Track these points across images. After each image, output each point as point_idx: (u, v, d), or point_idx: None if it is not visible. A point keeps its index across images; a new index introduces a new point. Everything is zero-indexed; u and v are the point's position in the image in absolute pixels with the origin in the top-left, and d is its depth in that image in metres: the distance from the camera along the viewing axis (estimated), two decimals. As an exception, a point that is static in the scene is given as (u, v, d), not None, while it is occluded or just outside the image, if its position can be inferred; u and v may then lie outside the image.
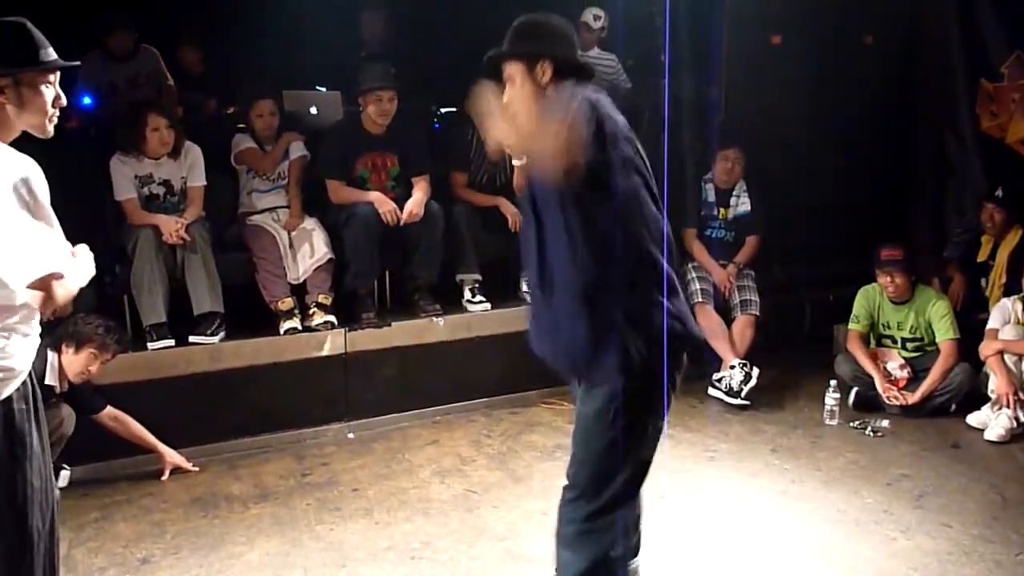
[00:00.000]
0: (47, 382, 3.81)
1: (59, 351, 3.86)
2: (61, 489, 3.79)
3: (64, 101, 2.33)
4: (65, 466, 3.98)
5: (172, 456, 4.24)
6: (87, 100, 5.49)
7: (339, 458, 4.46)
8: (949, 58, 6.25)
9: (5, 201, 2.08)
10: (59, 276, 2.18)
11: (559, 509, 2.47)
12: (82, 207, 4.94)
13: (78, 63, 2.41)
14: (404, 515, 3.79)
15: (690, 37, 5.80)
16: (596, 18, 6.03)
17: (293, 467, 4.35)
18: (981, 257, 5.51)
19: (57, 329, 3.89)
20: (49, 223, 2.18)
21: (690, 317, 2.44)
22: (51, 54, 2.29)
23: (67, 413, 3.97)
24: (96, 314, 4.04)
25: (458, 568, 3.35)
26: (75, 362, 3.86)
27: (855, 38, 6.47)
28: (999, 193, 5.36)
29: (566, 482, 2.45)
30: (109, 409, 4.09)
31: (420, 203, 4.94)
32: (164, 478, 4.19)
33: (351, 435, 4.77)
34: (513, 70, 2.41)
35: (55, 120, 2.33)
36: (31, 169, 2.16)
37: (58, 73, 2.32)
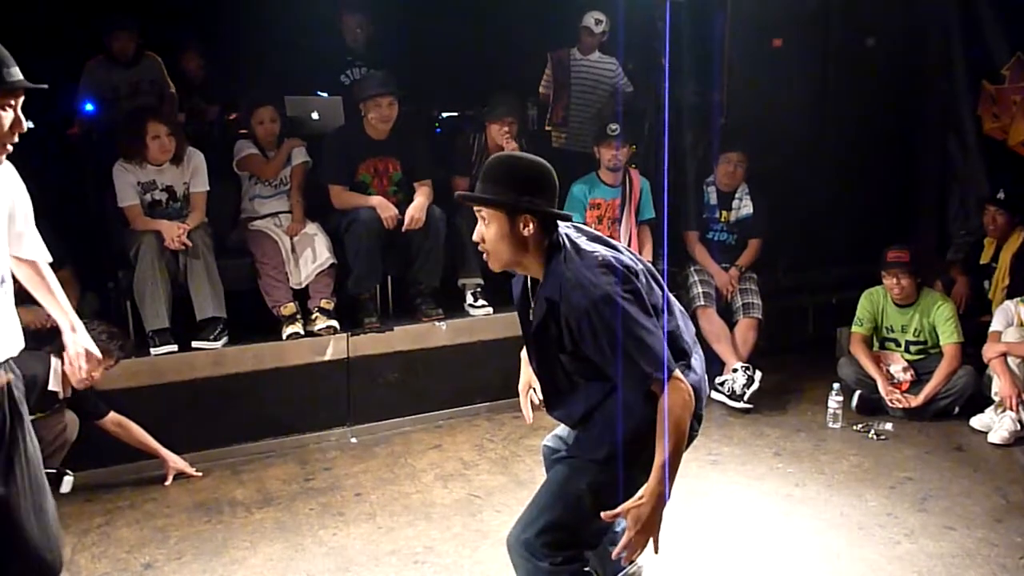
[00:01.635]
0: (51, 388, 3.82)
1: (62, 358, 3.86)
2: (64, 495, 3.81)
3: (25, 127, 2.14)
4: (68, 472, 3.98)
5: (175, 461, 4.24)
6: (89, 107, 5.50)
7: (342, 463, 4.46)
8: (951, 60, 6.25)
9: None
10: None
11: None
12: (85, 213, 4.98)
13: (45, 85, 2.19)
14: (407, 519, 3.79)
15: (691, 40, 5.79)
16: (597, 22, 6.04)
17: (296, 472, 4.35)
18: (984, 259, 5.50)
19: (59, 336, 3.89)
20: None
21: (705, 384, 2.63)
22: (14, 74, 2.09)
23: (70, 419, 3.97)
24: (99, 320, 4.05)
25: (461, 572, 3.35)
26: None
27: (857, 40, 6.46)
28: (1001, 195, 5.35)
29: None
30: (112, 415, 4.09)
31: (422, 208, 4.94)
32: (167, 483, 4.19)
33: (354, 440, 4.77)
34: (489, 214, 2.40)
35: (10, 148, 2.15)
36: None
37: (21, 97, 2.13)
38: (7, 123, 2.10)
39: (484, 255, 2.48)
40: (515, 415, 5.09)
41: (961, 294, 5.50)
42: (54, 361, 3.83)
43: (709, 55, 6.00)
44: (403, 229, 4.90)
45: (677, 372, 2.31)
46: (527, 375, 2.83)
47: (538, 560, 2.44)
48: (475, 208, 2.44)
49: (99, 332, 3.89)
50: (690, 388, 2.32)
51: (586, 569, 2.51)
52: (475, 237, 2.47)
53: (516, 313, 2.63)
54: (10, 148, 2.16)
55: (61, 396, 3.89)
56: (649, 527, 2.27)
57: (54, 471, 3.87)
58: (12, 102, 2.11)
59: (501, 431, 4.87)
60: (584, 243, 2.42)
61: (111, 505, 3.97)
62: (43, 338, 3.85)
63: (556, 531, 2.45)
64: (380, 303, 5.16)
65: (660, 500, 2.26)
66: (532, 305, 2.48)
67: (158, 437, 4.20)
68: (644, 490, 2.27)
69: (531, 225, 2.37)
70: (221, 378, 4.54)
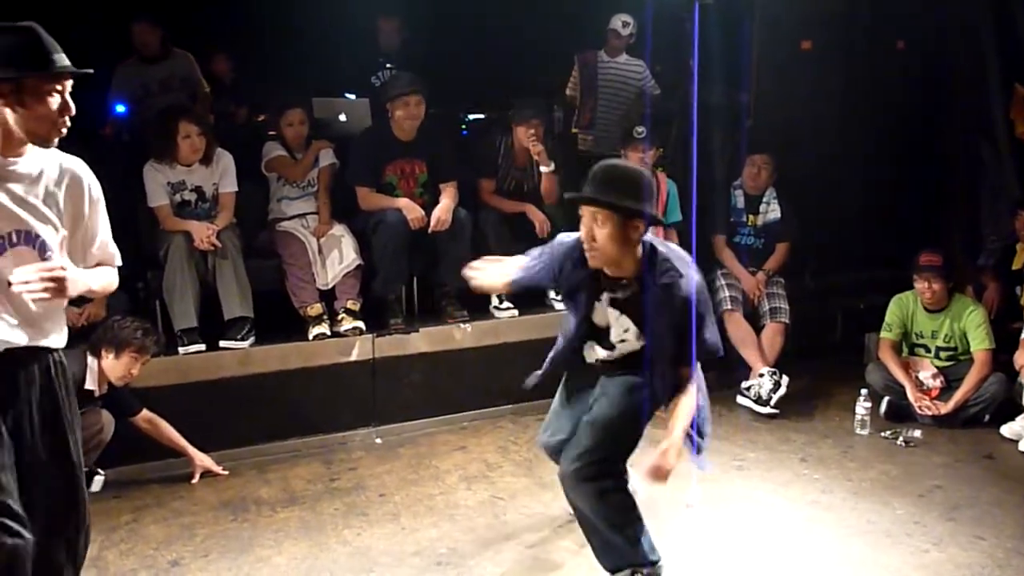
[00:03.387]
0: (87, 387, 3.87)
1: (99, 356, 3.91)
2: (94, 493, 3.85)
3: (73, 111, 2.22)
4: (100, 471, 4.02)
5: (202, 460, 4.28)
6: (121, 108, 5.56)
7: (366, 463, 4.48)
8: (983, 63, 6.17)
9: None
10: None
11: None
12: (115, 213, 5.01)
13: (90, 70, 2.27)
14: (430, 521, 3.79)
15: (719, 43, 5.76)
16: (625, 24, 6.03)
17: (321, 472, 4.37)
18: (1016, 265, 5.43)
19: (93, 334, 3.94)
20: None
21: None
22: (62, 60, 2.17)
23: (107, 420, 4.02)
24: (131, 316, 4.09)
25: (484, 574, 3.35)
26: (117, 366, 3.91)
27: (887, 43, 6.41)
28: None
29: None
30: (144, 412, 4.14)
31: (448, 210, 4.95)
32: (194, 481, 4.23)
33: (378, 440, 4.79)
34: (604, 217, 2.79)
35: (63, 131, 2.22)
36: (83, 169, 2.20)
37: (69, 82, 2.21)
38: (55, 106, 2.18)
39: (589, 252, 2.85)
40: (539, 417, 5.06)
41: (992, 300, 5.43)
42: (90, 360, 3.89)
43: (737, 57, 5.97)
44: (429, 230, 4.91)
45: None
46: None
47: (601, 480, 2.95)
48: (590, 210, 2.81)
49: (134, 329, 3.95)
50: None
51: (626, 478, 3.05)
52: (584, 236, 2.85)
53: (569, 299, 3.15)
54: (63, 131, 2.23)
55: (97, 394, 3.94)
56: (668, 471, 2.88)
57: (86, 469, 3.91)
58: (59, 87, 2.19)
59: (525, 433, 4.87)
60: (660, 244, 2.92)
61: (139, 502, 4.01)
62: (78, 336, 3.91)
63: (606, 454, 2.97)
64: (406, 304, 5.18)
65: (679, 452, 2.88)
66: (611, 293, 2.97)
67: (185, 435, 4.24)
68: (668, 443, 2.87)
69: (640, 228, 2.79)
70: (247, 378, 4.57)
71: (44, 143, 2.23)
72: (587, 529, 3.10)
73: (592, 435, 3.00)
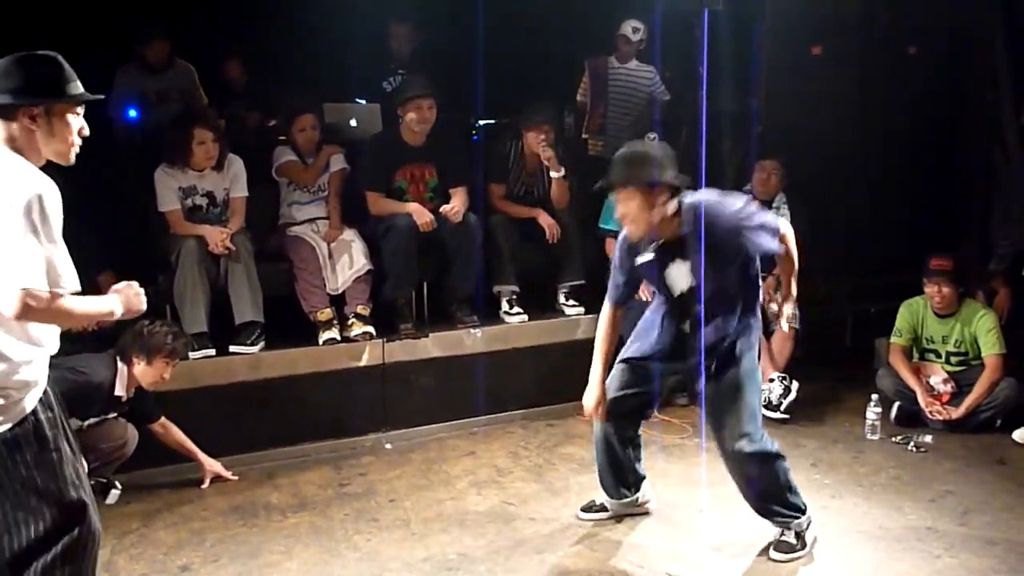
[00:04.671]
0: (116, 392, 3.89)
1: (129, 362, 3.92)
2: (109, 505, 3.86)
3: (87, 131, 2.42)
4: (117, 484, 4.01)
5: (212, 465, 4.29)
6: (132, 113, 5.57)
7: (377, 468, 4.48)
8: (994, 68, 6.14)
9: (15, 216, 2.15)
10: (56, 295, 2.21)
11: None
12: (126, 218, 5.04)
13: (102, 96, 2.55)
14: (441, 526, 3.79)
15: (729, 48, 5.77)
16: (635, 30, 6.03)
17: (331, 477, 4.38)
18: (1027, 270, 5.41)
19: (121, 339, 3.94)
20: (53, 242, 2.22)
21: None
22: (79, 87, 2.40)
23: (132, 435, 4.05)
24: (159, 320, 4.11)
25: (494, 580, 3.35)
26: (149, 372, 3.93)
27: (898, 49, 6.39)
28: None
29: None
30: (162, 418, 4.17)
31: (463, 204, 4.97)
32: (204, 486, 4.24)
33: (388, 446, 4.79)
34: (628, 194, 3.19)
35: (77, 149, 2.43)
36: (47, 188, 2.22)
37: (82, 106, 2.42)
38: (75, 128, 2.40)
39: (627, 227, 3.27)
40: (549, 423, 5.11)
41: (1003, 305, 5.40)
42: (120, 365, 3.90)
43: (746, 63, 5.97)
44: (442, 213, 4.94)
45: None
46: (598, 391, 3.62)
47: (768, 445, 3.34)
48: (618, 193, 3.20)
49: (165, 334, 3.96)
50: None
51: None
52: (619, 215, 3.25)
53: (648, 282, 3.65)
54: (78, 148, 2.43)
55: (124, 399, 3.96)
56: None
57: (104, 480, 3.93)
58: (78, 110, 2.41)
59: (536, 439, 4.87)
60: (691, 196, 3.26)
61: (149, 507, 4.02)
62: (106, 340, 3.93)
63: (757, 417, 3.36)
64: (416, 309, 5.18)
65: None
66: (669, 258, 3.34)
67: (195, 440, 4.25)
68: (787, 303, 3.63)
69: (663, 194, 3.17)
70: (257, 382, 4.58)
71: (65, 160, 2.41)
72: (761, 494, 3.42)
73: (741, 416, 3.33)
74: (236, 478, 4.33)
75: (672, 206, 3.21)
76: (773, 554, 3.44)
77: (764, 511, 3.47)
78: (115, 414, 4.00)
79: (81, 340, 3.99)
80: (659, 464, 4.46)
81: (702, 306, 3.34)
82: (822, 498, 4.01)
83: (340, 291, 4.86)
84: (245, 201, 4.84)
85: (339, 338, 4.75)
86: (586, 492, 4.09)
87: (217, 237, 4.57)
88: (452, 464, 4.52)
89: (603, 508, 3.85)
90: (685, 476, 4.31)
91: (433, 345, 4.98)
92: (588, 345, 5.33)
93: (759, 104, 6.06)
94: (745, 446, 3.30)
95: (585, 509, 3.89)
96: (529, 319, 5.23)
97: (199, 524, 3.85)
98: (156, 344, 3.91)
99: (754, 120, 6.01)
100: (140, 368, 3.91)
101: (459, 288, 5.11)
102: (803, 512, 3.47)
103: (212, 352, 4.50)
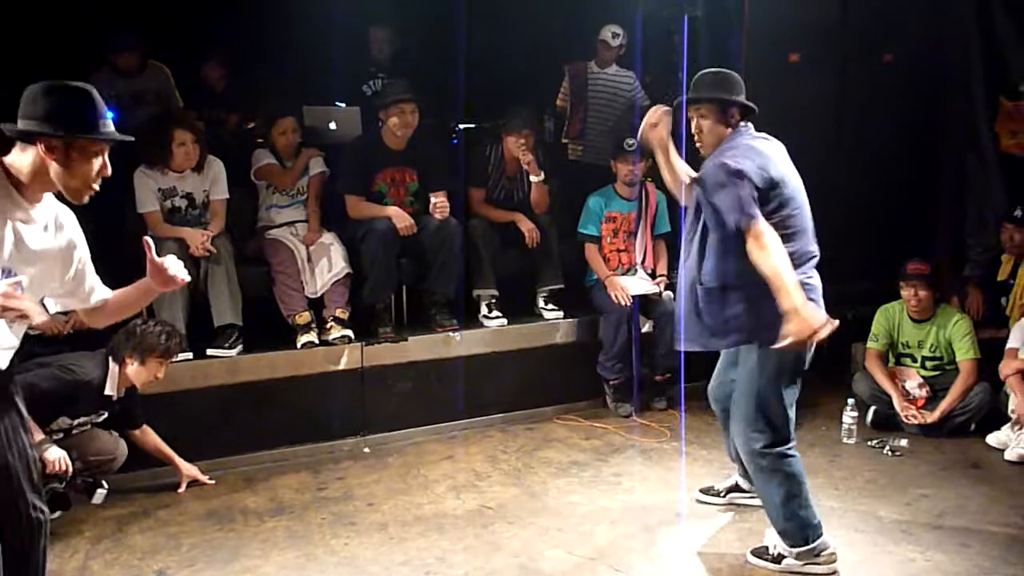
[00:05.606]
0: (107, 392, 3.87)
1: (121, 362, 3.89)
2: (94, 505, 3.83)
3: (109, 172, 2.34)
4: (104, 483, 3.96)
5: (189, 469, 4.26)
6: (110, 115, 5.52)
7: (355, 472, 4.47)
8: (968, 76, 6.22)
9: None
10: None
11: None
12: (103, 220, 4.99)
13: (132, 137, 2.44)
14: (419, 530, 3.78)
15: (708, 54, 5.80)
16: (615, 36, 6.05)
17: (309, 481, 4.36)
18: (1001, 276, 5.46)
19: (113, 339, 3.91)
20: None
21: None
22: (109, 125, 2.31)
23: (121, 452, 4.06)
24: (152, 319, 4.08)
25: (472, 584, 3.35)
26: (142, 372, 3.91)
27: (875, 56, 6.45)
28: (1018, 213, 5.32)
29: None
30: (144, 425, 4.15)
31: (446, 202, 4.98)
32: (180, 491, 4.21)
33: (367, 449, 4.78)
34: (706, 109, 3.32)
35: (95, 190, 2.34)
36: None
37: (109, 145, 2.33)
38: (95, 168, 2.31)
39: (698, 142, 3.37)
40: (528, 427, 5.11)
41: (976, 306, 5.45)
42: (112, 365, 3.87)
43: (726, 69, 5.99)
44: (431, 209, 4.96)
45: None
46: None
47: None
48: (696, 109, 3.32)
49: (159, 333, 3.93)
50: None
51: None
52: (694, 131, 3.35)
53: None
54: (95, 190, 2.35)
55: (115, 398, 3.94)
56: (803, 329, 3.08)
57: (90, 480, 3.89)
58: (99, 149, 2.32)
59: (514, 442, 4.87)
60: (747, 136, 3.39)
61: (124, 512, 3.99)
62: (100, 340, 3.90)
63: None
64: (395, 313, 5.17)
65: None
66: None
67: (172, 444, 4.23)
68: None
69: (735, 115, 3.34)
70: (235, 386, 4.56)
71: (77, 198, 2.34)
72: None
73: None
74: (213, 482, 4.30)
75: (733, 131, 3.33)
76: (750, 557, 3.46)
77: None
78: (105, 413, 3.97)
79: (71, 341, 3.98)
80: (637, 468, 4.48)
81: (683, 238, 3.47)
82: (799, 502, 4.04)
83: (319, 294, 4.85)
84: (225, 203, 4.82)
85: (317, 341, 4.74)
86: (564, 495, 4.11)
87: (197, 239, 4.54)
88: (431, 468, 4.52)
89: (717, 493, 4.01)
90: (663, 480, 4.33)
91: (412, 349, 4.98)
92: (568, 349, 5.41)
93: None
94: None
95: (704, 491, 4.06)
96: (508, 323, 5.24)
97: (175, 529, 3.82)
98: (149, 344, 3.88)
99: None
100: (133, 368, 3.89)
101: (438, 292, 5.11)
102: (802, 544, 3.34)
103: (190, 356, 4.47)
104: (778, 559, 3.38)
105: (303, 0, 5.76)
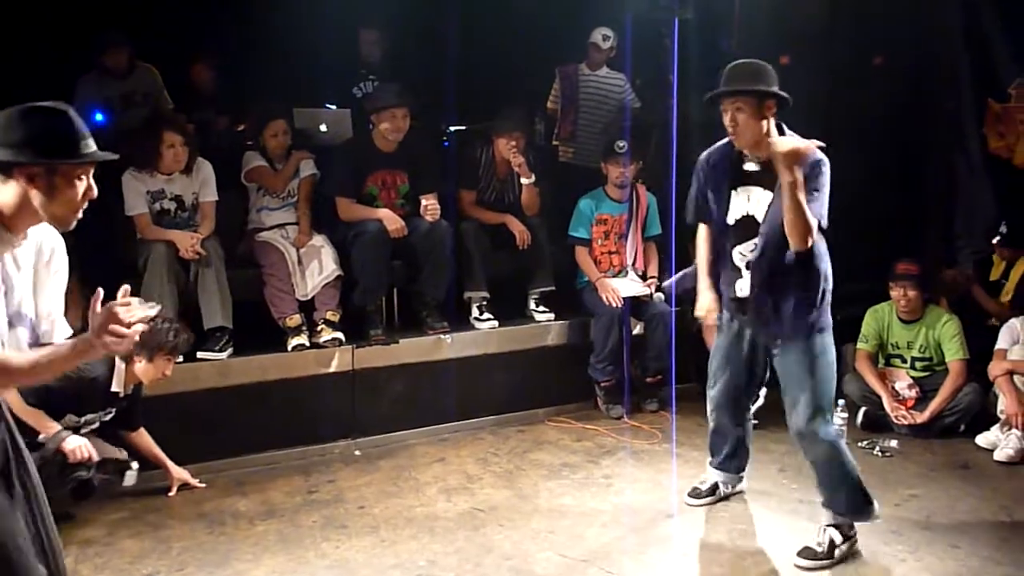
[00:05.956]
0: (113, 389, 3.86)
1: (128, 360, 3.87)
2: (125, 487, 3.87)
3: (95, 193, 2.21)
4: (132, 464, 3.97)
5: (179, 472, 4.24)
6: (99, 117, 5.51)
7: (346, 475, 4.46)
8: (957, 79, 6.25)
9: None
10: None
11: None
12: (91, 222, 4.97)
13: (116, 156, 2.28)
14: (410, 533, 3.78)
15: (699, 56, 5.81)
16: (605, 38, 6.06)
17: (300, 484, 4.35)
18: (993, 276, 5.50)
19: None
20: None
21: None
22: (90, 146, 2.16)
23: (129, 477, 4.00)
24: (159, 316, 4.07)
25: (464, 586, 3.35)
26: (150, 370, 3.90)
27: (864, 58, 6.47)
28: (1003, 229, 5.40)
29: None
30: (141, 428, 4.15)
31: (437, 203, 4.98)
32: (171, 494, 4.19)
33: (358, 452, 4.77)
34: (743, 102, 3.32)
35: (80, 214, 2.21)
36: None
37: (92, 167, 2.20)
38: (81, 191, 2.17)
39: (733, 135, 3.40)
40: (519, 429, 5.11)
41: (963, 278, 5.52)
42: (118, 362, 3.85)
43: (716, 71, 6.01)
44: (422, 211, 4.96)
45: None
46: (712, 296, 3.65)
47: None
48: (731, 102, 3.32)
49: (167, 331, 3.90)
50: None
51: None
52: (727, 123, 3.37)
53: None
54: (80, 215, 2.22)
55: (121, 395, 3.93)
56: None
57: (125, 459, 3.93)
58: (83, 173, 2.18)
59: (505, 445, 4.87)
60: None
61: (114, 515, 3.97)
62: None
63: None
64: (386, 316, 5.17)
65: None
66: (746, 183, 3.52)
67: (162, 447, 4.21)
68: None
69: (772, 108, 3.38)
70: (226, 389, 4.55)
71: (63, 225, 2.22)
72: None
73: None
74: (203, 486, 4.29)
75: (773, 126, 3.36)
76: (797, 559, 3.44)
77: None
78: (112, 410, 3.95)
79: None
80: (628, 470, 4.48)
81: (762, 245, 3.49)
82: (789, 502, 4.06)
83: (309, 297, 4.84)
84: (215, 205, 4.80)
85: (308, 344, 4.73)
86: (556, 497, 4.11)
87: (187, 242, 4.53)
88: (422, 471, 4.51)
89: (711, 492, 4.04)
90: (655, 481, 4.33)
91: (403, 351, 4.97)
92: (558, 351, 5.42)
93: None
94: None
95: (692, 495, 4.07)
96: (499, 325, 5.23)
97: (165, 532, 3.81)
98: (158, 341, 3.86)
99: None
100: (141, 366, 3.87)
101: (429, 294, 5.11)
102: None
103: (180, 358, 4.45)
104: (830, 551, 3.42)
105: (293, 2, 5.75)
